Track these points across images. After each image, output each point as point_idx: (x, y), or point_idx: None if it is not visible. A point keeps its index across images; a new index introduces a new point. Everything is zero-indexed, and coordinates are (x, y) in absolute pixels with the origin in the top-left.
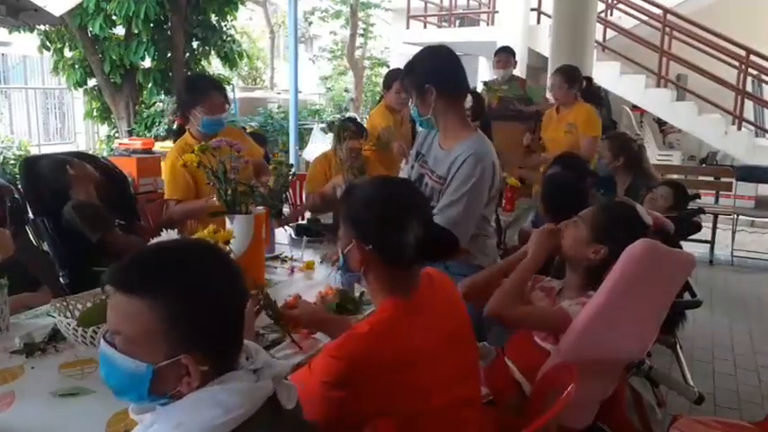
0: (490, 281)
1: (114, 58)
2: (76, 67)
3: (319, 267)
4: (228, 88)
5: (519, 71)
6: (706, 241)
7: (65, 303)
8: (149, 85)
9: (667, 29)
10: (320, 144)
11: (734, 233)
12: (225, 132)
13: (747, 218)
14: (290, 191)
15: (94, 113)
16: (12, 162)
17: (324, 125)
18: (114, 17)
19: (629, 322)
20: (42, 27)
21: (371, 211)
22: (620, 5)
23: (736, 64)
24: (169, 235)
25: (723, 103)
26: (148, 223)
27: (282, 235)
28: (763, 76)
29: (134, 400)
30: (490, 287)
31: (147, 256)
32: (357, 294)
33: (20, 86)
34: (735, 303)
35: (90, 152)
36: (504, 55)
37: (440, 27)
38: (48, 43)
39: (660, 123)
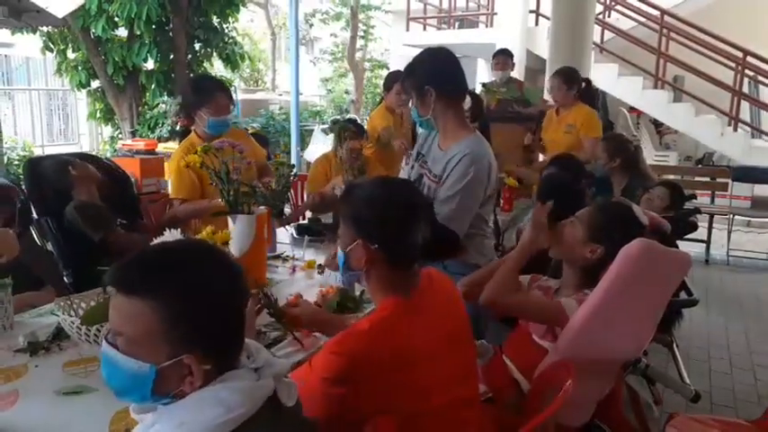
0: (489, 279)
1: (117, 59)
2: (80, 68)
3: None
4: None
5: (517, 73)
6: (702, 241)
7: (68, 302)
8: (152, 87)
9: (664, 30)
10: (321, 145)
11: (730, 233)
12: (229, 134)
13: (743, 218)
14: (292, 191)
15: (98, 115)
16: (15, 163)
17: (325, 126)
18: (117, 19)
19: (625, 322)
20: (45, 28)
21: (377, 210)
22: (618, 7)
23: (733, 65)
24: (172, 234)
25: (719, 105)
26: (151, 222)
27: (284, 234)
28: (760, 78)
29: (137, 400)
30: None
31: (147, 256)
32: (357, 293)
33: (23, 88)
34: (731, 303)
35: (93, 153)
36: (503, 57)
37: (439, 29)
38: (50, 45)
39: (657, 124)
